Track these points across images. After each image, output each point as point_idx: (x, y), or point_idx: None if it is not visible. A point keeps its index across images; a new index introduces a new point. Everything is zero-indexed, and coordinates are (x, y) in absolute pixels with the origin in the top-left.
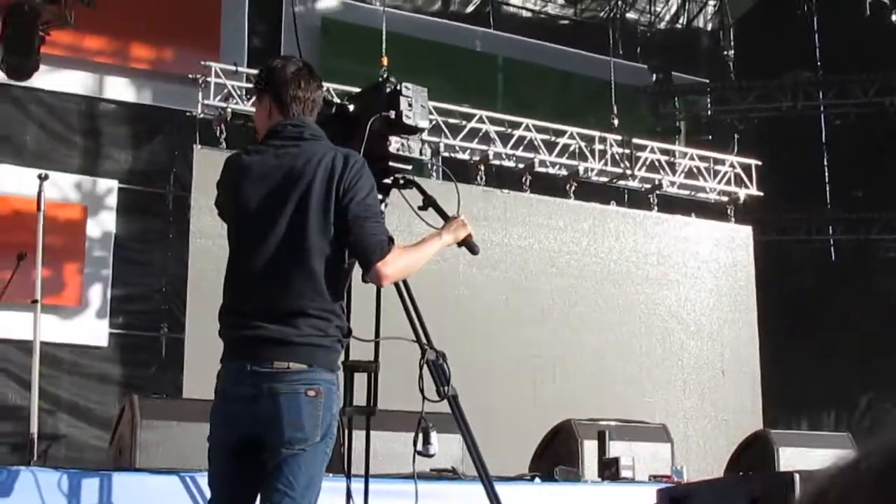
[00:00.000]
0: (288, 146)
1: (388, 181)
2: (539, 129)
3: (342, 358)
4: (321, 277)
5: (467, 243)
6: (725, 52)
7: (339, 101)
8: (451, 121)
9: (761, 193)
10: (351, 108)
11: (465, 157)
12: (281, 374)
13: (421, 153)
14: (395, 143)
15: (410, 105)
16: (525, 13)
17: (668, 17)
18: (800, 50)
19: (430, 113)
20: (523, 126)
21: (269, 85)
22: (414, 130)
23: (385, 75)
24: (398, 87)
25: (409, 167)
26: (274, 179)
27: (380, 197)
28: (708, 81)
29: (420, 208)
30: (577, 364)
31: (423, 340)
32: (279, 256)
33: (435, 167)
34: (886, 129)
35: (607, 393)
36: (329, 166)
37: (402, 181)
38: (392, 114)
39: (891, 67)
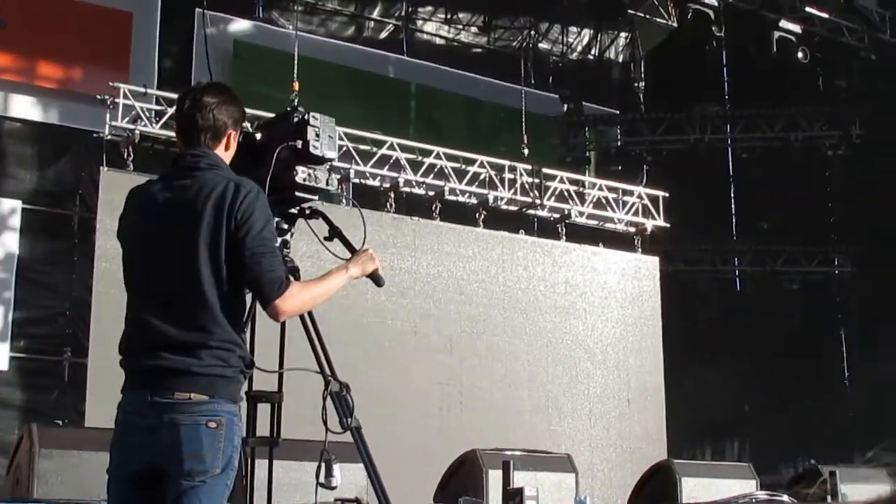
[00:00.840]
0: (185, 177)
1: (294, 211)
2: (449, 157)
3: (245, 388)
4: (217, 309)
5: (373, 276)
6: (636, 84)
7: (247, 129)
8: (362, 147)
9: (668, 225)
10: (258, 136)
11: (376, 183)
12: (182, 405)
13: (328, 183)
14: (301, 173)
15: (318, 135)
16: (438, 40)
17: (580, 48)
18: (709, 84)
19: (341, 139)
20: (434, 154)
21: (175, 114)
22: (321, 160)
23: (296, 100)
24: (306, 117)
25: (316, 197)
26: (167, 212)
27: (285, 226)
28: (618, 112)
29: (326, 239)
30: (484, 393)
31: (327, 371)
32: (175, 289)
33: (345, 194)
34: (792, 163)
35: (514, 422)
36: (220, 197)
37: (308, 211)
38: (299, 143)
39: (796, 103)
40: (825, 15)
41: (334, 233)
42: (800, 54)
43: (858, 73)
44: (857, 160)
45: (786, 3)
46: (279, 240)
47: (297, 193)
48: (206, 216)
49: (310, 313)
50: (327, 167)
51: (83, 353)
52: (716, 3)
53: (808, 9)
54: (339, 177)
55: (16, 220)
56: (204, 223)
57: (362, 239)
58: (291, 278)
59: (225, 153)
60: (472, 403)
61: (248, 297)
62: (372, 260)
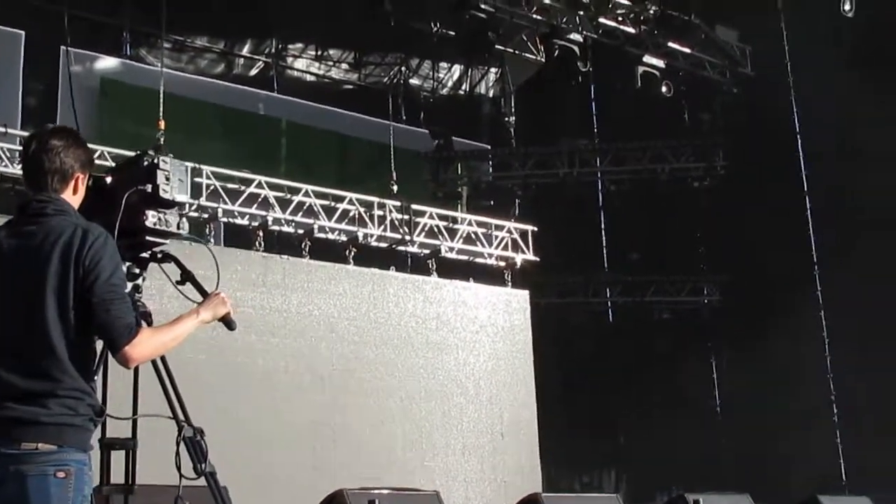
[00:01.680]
0: (30, 223)
1: (145, 255)
2: (319, 195)
3: (98, 436)
4: (66, 357)
5: (225, 320)
6: (506, 119)
7: (94, 174)
8: (231, 186)
9: (537, 258)
10: (108, 180)
11: (245, 222)
12: (29, 456)
13: (179, 227)
14: (151, 217)
15: (168, 179)
16: (309, 77)
17: (450, 84)
18: (577, 118)
19: (209, 178)
20: (303, 192)
21: (20, 159)
22: (171, 204)
23: (161, 139)
24: (156, 161)
25: (167, 241)
26: (13, 260)
27: (136, 271)
28: (489, 147)
29: (178, 283)
30: (357, 430)
31: (181, 417)
32: (21, 338)
33: (213, 233)
34: (659, 195)
35: (388, 459)
36: (67, 243)
37: (160, 255)
38: (149, 187)
39: (663, 136)
40: (687, 50)
41: (186, 277)
42: (664, 88)
43: (721, 106)
44: (722, 191)
45: (649, 39)
46: (130, 285)
47: (148, 238)
48: (52, 263)
49: (162, 358)
50: (177, 211)
51: None
52: (581, 40)
53: (670, 44)
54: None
55: None
56: (51, 270)
57: (216, 281)
58: (144, 324)
59: (73, 197)
60: (346, 441)
61: (99, 344)
62: (223, 303)
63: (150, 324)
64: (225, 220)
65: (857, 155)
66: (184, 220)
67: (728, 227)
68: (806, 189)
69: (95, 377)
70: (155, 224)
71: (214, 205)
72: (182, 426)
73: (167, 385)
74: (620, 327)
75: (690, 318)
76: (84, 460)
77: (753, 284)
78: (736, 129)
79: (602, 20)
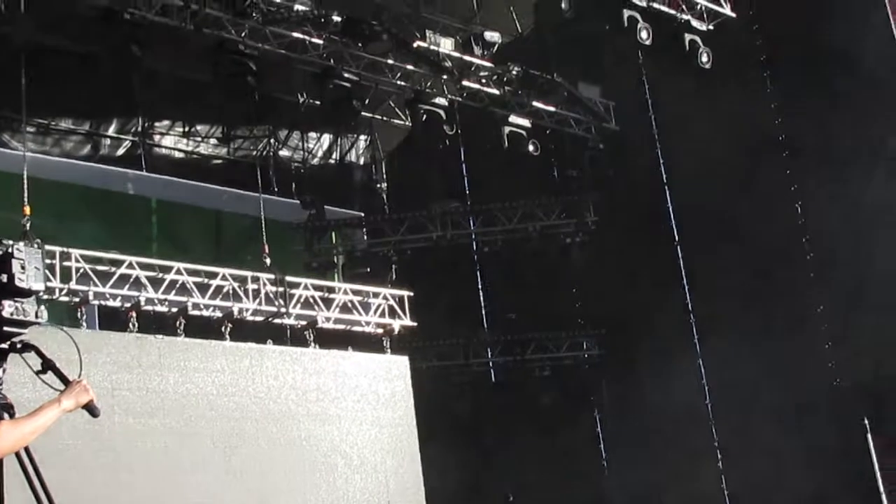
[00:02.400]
0: None
1: (5, 346)
2: (191, 272)
3: None
4: None
5: (88, 407)
6: (378, 185)
7: None
8: (101, 268)
9: (415, 323)
10: None
11: (117, 304)
12: None
13: (37, 315)
14: (8, 308)
15: (23, 267)
16: (177, 154)
17: (320, 153)
18: (447, 181)
19: (78, 261)
20: (175, 269)
21: None
22: (28, 293)
23: (27, 224)
24: (10, 250)
25: (26, 331)
26: None
27: None
28: (362, 214)
29: (39, 372)
30: None
31: None
32: None
33: (86, 316)
34: (532, 252)
35: None
36: None
37: (19, 345)
38: (4, 277)
39: (532, 194)
40: (552, 108)
41: (47, 365)
42: (531, 147)
43: (589, 160)
44: (594, 245)
45: (513, 100)
46: None
47: (6, 328)
48: None
49: (27, 450)
50: (35, 299)
51: None
52: (446, 103)
53: (535, 103)
54: (44, 307)
55: None
56: None
57: (79, 367)
58: (6, 415)
59: None
60: None
61: None
62: (86, 391)
63: (11, 416)
64: (97, 302)
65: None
66: (42, 308)
67: (603, 280)
68: (677, 239)
69: None
70: (12, 314)
71: (85, 288)
72: None
73: (32, 478)
74: (503, 386)
75: (571, 373)
76: None
77: (631, 336)
78: (605, 184)
79: (466, 83)
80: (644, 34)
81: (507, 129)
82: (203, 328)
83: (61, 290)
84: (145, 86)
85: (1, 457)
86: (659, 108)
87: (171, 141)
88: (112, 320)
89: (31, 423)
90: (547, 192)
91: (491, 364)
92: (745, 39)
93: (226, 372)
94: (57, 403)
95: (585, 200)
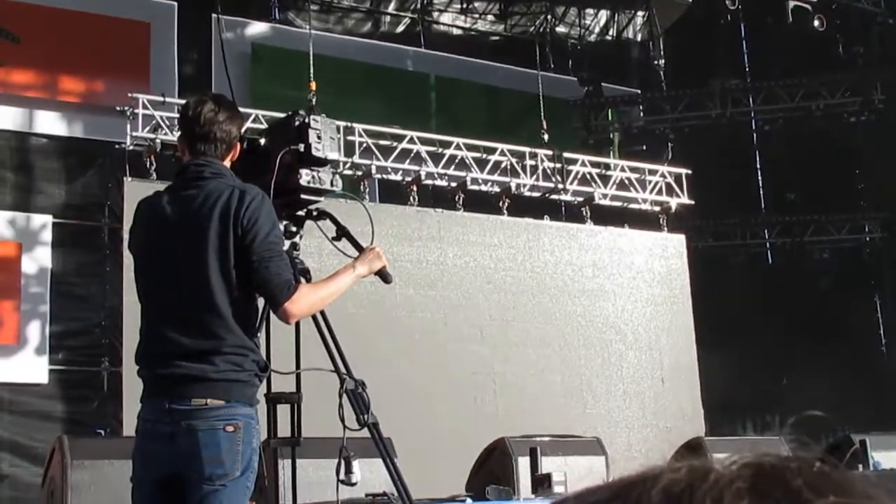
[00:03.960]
0: (189, 187)
1: (301, 213)
2: (470, 148)
3: (264, 391)
4: (229, 315)
5: (381, 273)
6: (655, 62)
7: (249, 136)
8: (383, 143)
9: (692, 202)
10: (262, 142)
11: (398, 178)
12: (199, 411)
13: (332, 184)
14: (305, 176)
15: (319, 137)
16: (455, 31)
17: (597, 30)
18: (728, 57)
19: (361, 136)
20: (454, 145)
21: (179, 126)
22: (323, 162)
23: (313, 100)
24: (306, 120)
25: (321, 198)
26: (173, 223)
27: (293, 229)
28: (639, 92)
29: (334, 239)
30: (517, 379)
31: (342, 370)
32: (185, 298)
33: (368, 189)
34: (814, 132)
35: (548, 407)
36: (225, 205)
37: (315, 213)
38: (301, 147)
39: (816, 72)
40: None
41: (342, 233)
42: (816, 22)
43: (877, 37)
44: (880, 125)
45: None
46: (288, 242)
47: (303, 196)
48: (212, 225)
49: (322, 313)
50: (330, 168)
51: (121, 363)
52: None
53: None
54: (338, 175)
55: (47, 235)
56: (211, 232)
57: (371, 236)
58: (303, 280)
59: (228, 160)
60: (506, 391)
61: (261, 302)
62: (379, 258)
63: (308, 280)
64: (378, 176)
65: None
66: (337, 177)
67: (888, 162)
68: None
69: (258, 334)
70: (309, 182)
71: (368, 162)
72: (344, 379)
73: (328, 340)
74: (780, 269)
75: (852, 256)
76: (251, 414)
77: None
78: (893, 60)
79: None
80: None
81: (791, 4)
82: (481, 202)
83: (345, 163)
84: None
85: (299, 319)
86: None
87: (448, 18)
88: (393, 194)
89: (328, 288)
90: (832, 70)
91: (768, 245)
92: None
93: (503, 246)
94: (351, 269)
95: (873, 78)
